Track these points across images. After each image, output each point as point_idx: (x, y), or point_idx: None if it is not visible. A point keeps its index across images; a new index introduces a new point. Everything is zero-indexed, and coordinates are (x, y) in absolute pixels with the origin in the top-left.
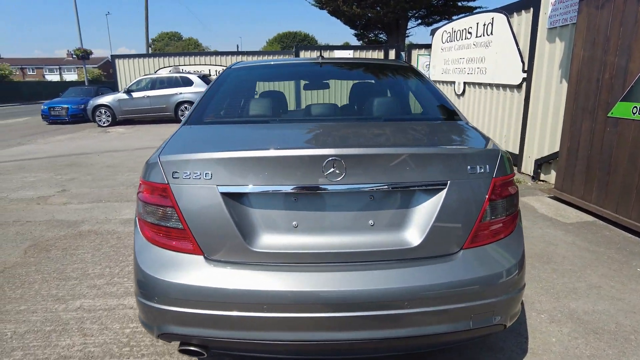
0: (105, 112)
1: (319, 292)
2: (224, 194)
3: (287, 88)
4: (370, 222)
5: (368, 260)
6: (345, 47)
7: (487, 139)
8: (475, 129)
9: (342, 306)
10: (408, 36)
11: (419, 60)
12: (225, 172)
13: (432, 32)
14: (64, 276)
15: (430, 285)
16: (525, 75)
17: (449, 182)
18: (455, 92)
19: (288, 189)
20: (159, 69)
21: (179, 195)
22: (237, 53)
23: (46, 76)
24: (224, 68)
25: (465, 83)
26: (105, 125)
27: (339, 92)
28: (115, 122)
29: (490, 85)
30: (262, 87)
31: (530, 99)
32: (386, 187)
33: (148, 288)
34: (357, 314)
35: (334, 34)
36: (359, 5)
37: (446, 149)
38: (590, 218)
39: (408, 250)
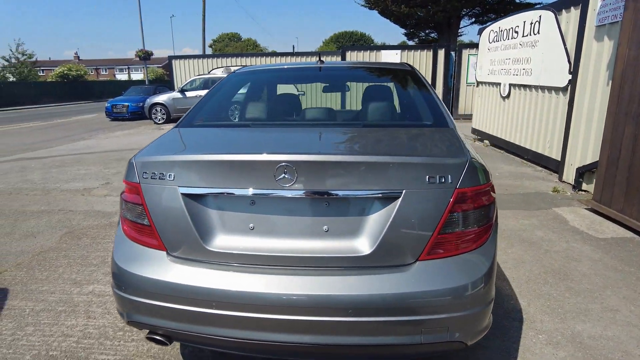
0: (160, 110)
1: (266, 295)
2: (184, 195)
3: (286, 91)
4: (325, 228)
5: (319, 265)
6: (392, 47)
7: (459, 149)
8: (457, 138)
9: (287, 309)
10: (460, 35)
11: (470, 60)
12: (185, 174)
13: (480, 32)
14: (86, 262)
15: (377, 295)
16: (571, 77)
17: (404, 191)
18: (500, 94)
19: (243, 192)
20: (212, 69)
21: (147, 194)
22: (289, 54)
23: (116, 76)
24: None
25: (510, 85)
26: (160, 122)
27: (332, 96)
28: (169, 120)
29: (536, 87)
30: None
31: (575, 102)
32: (338, 194)
33: (118, 278)
34: (301, 318)
35: (391, 34)
36: (408, 4)
37: (403, 158)
38: (629, 234)
39: (359, 258)
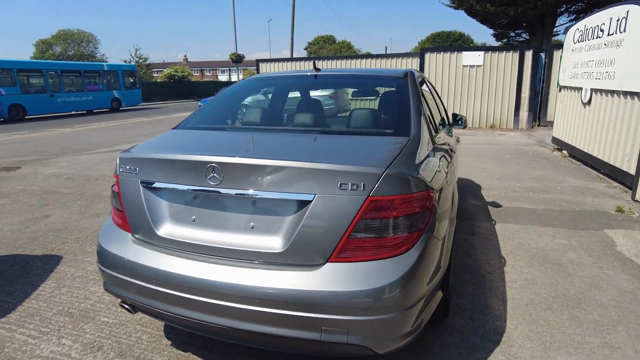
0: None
1: (196, 279)
2: (143, 187)
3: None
4: (251, 224)
5: (241, 258)
6: (474, 48)
7: (386, 158)
8: (402, 148)
9: (210, 293)
10: (556, 35)
11: (561, 62)
12: (145, 169)
13: (566, 31)
14: None
15: (283, 289)
16: None
17: (315, 195)
18: (581, 100)
19: (184, 187)
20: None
21: (122, 184)
22: (382, 56)
23: (219, 77)
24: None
25: (592, 90)
26: None
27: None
28: None
29: (617, 92)
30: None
31: None
32: (258, 194)
33: (99, 253)
34: (220, 302)
35: (486, 34)
36: (493, 3)
37: (316, 164)
38: None
39: (273, 255)
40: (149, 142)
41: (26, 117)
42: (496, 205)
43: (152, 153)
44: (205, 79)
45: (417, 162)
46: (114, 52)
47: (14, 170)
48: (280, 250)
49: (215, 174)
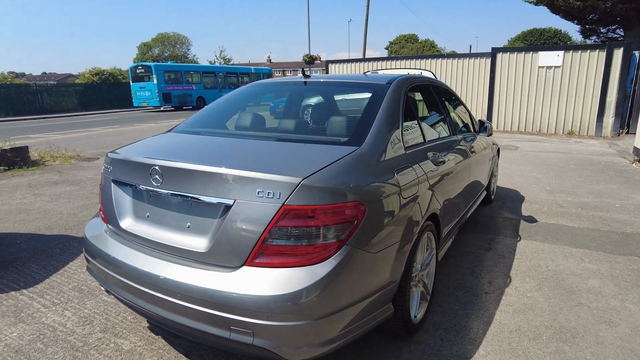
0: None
1: (140, 270)
2: (113, 183)
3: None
4: (188, 224)
5: (176, 254)
6: (553, 47)
7: (311, 167)
8: (336, 158)
9: (149, 284)
10: None
11: None
12: (116, 168)
13: None
14: None
15: (200, 287)
16: None
17: (235, 201)
18: None
19: (138, 186)
20: (365, 72)
21: (103, 180)
22: (466, 55)
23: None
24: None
25: None
26: None
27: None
28: None
29: None
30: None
31: None
32: (191, 196)
33: (83, 239)
34: (156, 294)
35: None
36: None
37: (239, 171)
38: None
39: (198, 254)
40: (130, 145)
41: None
42: (531, 220)
43: (118, 155)
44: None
45: (352, 172)
46: (202, 52)
47: (94, 161)
48: (204, 251)
49: (157, 176)
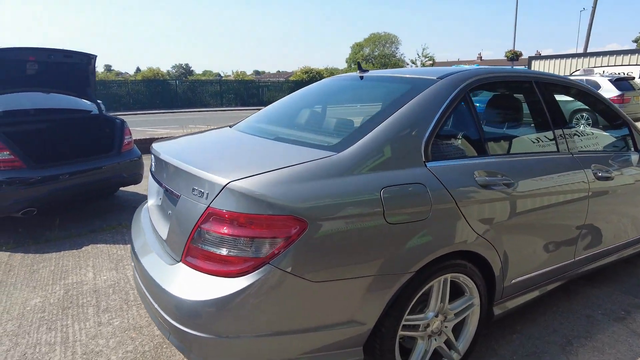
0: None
1: (136, 248)
2: (150, 171)
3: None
4: (169, 212)
5: (158, 240)
6: None
7: (251, 170)
8: (291, 163)
9: (137, 268)
10: None
11: None
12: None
13: None
14: None
15: (149, 274)
16: None
17: (181, 196)
18: None
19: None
20: (575, 71)
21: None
22: None
23: None
24: None
25: None
26: None
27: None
28: None
29: None
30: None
31: None
32: (167, 187)
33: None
34: (138, 273)
35: None
36: None
37: (186, 166)
38: None
39: (163, 242)
40: (172, 138)
41: None
42: None
43: (153, 147)
44: None
45: (302, 181)
46: (406, 51)
47: None
48: (164, 239)
49: (158, 167)
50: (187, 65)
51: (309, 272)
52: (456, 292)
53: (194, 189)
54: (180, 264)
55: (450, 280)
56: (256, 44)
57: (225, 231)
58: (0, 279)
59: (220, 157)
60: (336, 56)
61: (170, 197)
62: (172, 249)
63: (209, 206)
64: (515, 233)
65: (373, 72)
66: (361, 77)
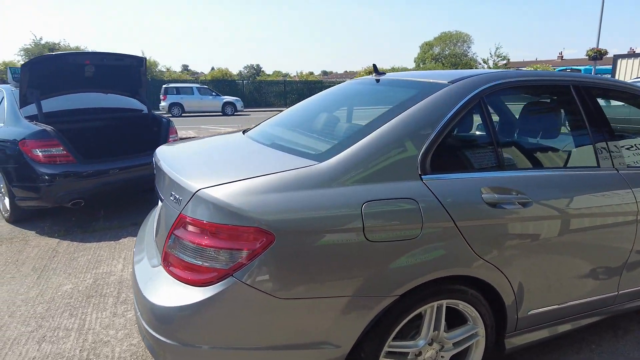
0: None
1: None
2: None
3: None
4: (159, 215)
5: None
6: None
7: (226, 177)
8: (277, 171)
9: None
10: None
11: None
12: None
13: None
14: None
15: (135, 277)
16: None
17: (164, 200)
18: None
19: None
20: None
21: None
22: None
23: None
24: None
25: None
26: None
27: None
28: None
29: None
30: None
31: None
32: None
33: None
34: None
35: None
36: None
37: (170, 172)
38: None
39: (155, 244)
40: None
41: None
42: None
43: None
44: None
45: (274, 192)
46: (478, 50)
47: None
48: (155, 242)
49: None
50: (257, 65)
51: (276, 288)
52: (458, 318)
53: (171, 194)
54: (160, 267)
55: (450, 307)
56: (325, 43)
57: (193, 239)
58: (45, 264)
59: (204, 163)
60: (405, 56)
61: (159, 200)
62: (158, 252)
63: (180, 212)
64: (534, 259)
65: (390, 75)
66: (377, 81)
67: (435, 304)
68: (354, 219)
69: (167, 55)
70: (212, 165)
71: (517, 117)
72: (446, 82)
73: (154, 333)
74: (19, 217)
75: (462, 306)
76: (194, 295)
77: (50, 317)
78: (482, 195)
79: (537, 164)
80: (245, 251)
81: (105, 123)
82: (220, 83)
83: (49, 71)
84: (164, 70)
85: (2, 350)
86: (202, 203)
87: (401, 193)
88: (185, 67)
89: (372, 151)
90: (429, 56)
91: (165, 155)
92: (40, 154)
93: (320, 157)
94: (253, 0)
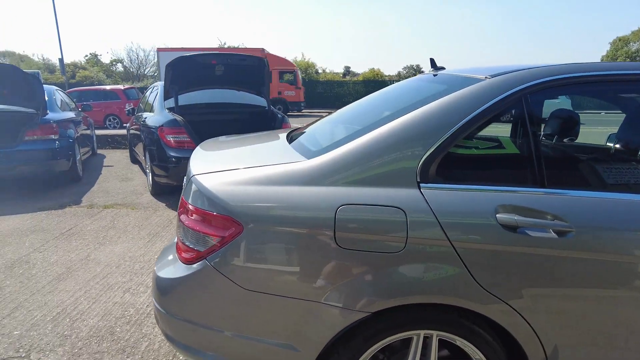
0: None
1: None
2: None
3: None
4: None
5: None
6: None
7: (224, 166)
8: (266, 164)
9: None
10: None
11: None
12: None
13: None
14: None
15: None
16: None
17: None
18: None
19: None
20: None
21: None
22: None
23: None
24: None
25: None
26: None
27: None
28: None
29: None
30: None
31: None
32: None
33: None
34: None
35: None
36: None
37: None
38: None
39: None
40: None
41: None
42: None
43: None
44: None
45: (252, 184)
46: None
47: None
48: None
49: None
50: (417, 66)
51: (240, 277)
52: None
53: (186, 178)
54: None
55: (449, 341)
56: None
57: (184, 220)
58: (158, 231)
59: (223, 154)
60: (590, 53)
61: None
62: None
63: (182, 195)
64: (574, 309)
65: (448, 71)
66: (434, 76)
67: (422, 332)
68: (326, 222)
69: (330, 56)
70: (225, 156)
71: (578, 122)
72: (484, 77)
73: (153, 300)
74: (158, 191)
75: (460, 343)
76: (178, 271)
77: (141, 274)
78: (497, 215)
79: (592, 184)
80: (217, 238)
81: (230, 116)
82: (370, 84)
83: (185, 70)
84: (320, 72)
85: (100, 291)
86: (193, 188)
87: (387, 200)
88: (347, 69)
89: (362, 152)
90: (623, 53)
91: (206, 144)
92: (171, 139)
93: (312, 154)
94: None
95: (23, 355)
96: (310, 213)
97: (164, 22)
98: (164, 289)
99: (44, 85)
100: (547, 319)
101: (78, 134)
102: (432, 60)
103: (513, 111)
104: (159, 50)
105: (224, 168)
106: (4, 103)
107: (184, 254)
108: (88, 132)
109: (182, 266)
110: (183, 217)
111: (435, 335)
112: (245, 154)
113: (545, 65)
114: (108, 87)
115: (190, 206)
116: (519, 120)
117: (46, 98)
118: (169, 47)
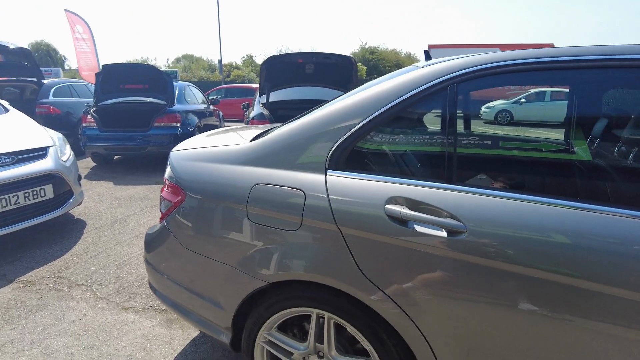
0: None
1: None
2: None
3: None
4: None
5: None
6: None
7: (190, 146)
8: (224, 144)
9: None
10: None
11: None
12: None
13: None
14: None
15: None
16: None
17: None
18: None
19: None
20: None
21: None
22: None
23: None
24: None
25: None
26: None
27: None
28: None
29: None
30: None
31: None
32: None
33: None
34: None
35: None
36: None
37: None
38: None
39: None
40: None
41: None
42: None
43: None
44: None
45: (201, 160)
46: None
47: None
48: None
49: None
50: None
51: (182, 237)
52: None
53: None
54: None
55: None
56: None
57: (162, 189)
58: None
59: (209, 138)
60: None
61: None
62: None
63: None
64: (463, 316)
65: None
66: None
67: (315, 311)
68: (243, 198)
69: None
70: (206, 139)
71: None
72: (421, 66)
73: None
74: None
75: (351, 330)
76: (153, 229)
77: None
78: (386, 206)
79: (504, 186)
80: (171, 202)
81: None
82: None
83: (276, 68)
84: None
85: (124, 259)
86: (169, 160)
87: (294, 182)
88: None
89: (285, 137)
90: None
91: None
92: None
93: (254, 139)
94: None
95: (89, 284)
96: (233, 190)
97: (309, 26)
98: (146, 242)
99: (179, 82)
100: (436, 323)
101: (201, 124)
102: (426, 52)
103: (435, 101)
104: (430, 47)
105: (191, 147)
106: (144, 96)
107: (160, 215)
108: (216, 122)
109: (157, 225)
110: (162, 185)
111: (327, 317)
112: (220, 138)
113: (475, 56)
114: (248, 85)
115: (164, 177)
116: (442, 110)
117: (176, 92)
118: (439, 44)
